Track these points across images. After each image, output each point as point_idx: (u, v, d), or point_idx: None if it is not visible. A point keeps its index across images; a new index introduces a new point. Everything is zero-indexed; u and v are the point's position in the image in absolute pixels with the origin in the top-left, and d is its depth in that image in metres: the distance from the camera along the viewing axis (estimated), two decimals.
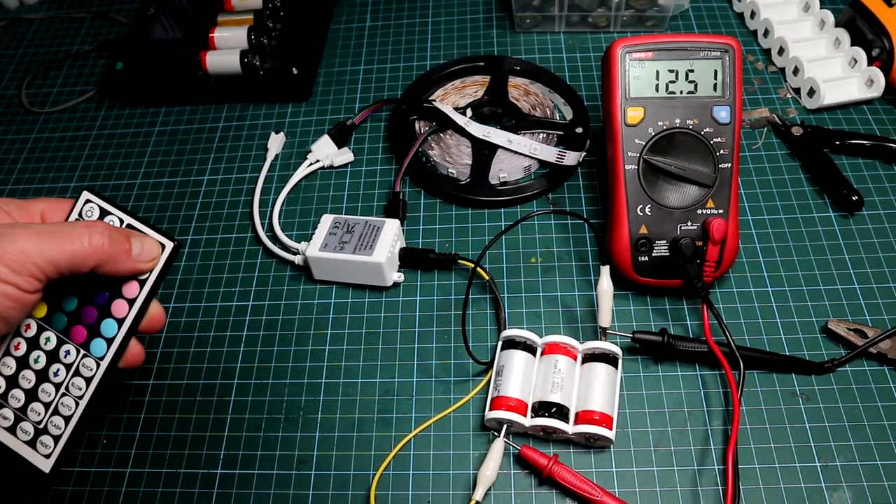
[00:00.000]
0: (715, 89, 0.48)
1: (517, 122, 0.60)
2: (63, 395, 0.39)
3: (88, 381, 0.39)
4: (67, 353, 0.39)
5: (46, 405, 0.39)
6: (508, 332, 0.47)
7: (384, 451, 0.46)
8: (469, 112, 0.61)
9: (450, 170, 0.58)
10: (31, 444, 0.39)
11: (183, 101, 0.68)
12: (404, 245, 0.54)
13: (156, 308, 0.41)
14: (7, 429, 0.39)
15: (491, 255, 0.54)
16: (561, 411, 0.43)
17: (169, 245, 0.39)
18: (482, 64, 0.66)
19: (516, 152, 0.58)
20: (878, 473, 0.42)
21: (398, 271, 0.53)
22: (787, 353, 0.47)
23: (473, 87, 0.64)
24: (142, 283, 0.39)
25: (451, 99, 0.64)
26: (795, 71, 0.62)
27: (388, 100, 0.65)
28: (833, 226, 0.54)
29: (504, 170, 0.58)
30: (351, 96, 0.67)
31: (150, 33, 0.68)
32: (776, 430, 0.45)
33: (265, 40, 0.67)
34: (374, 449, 0.46)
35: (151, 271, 0.39)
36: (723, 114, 0.48)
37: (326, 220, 0.53)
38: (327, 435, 0.47)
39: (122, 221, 0.40)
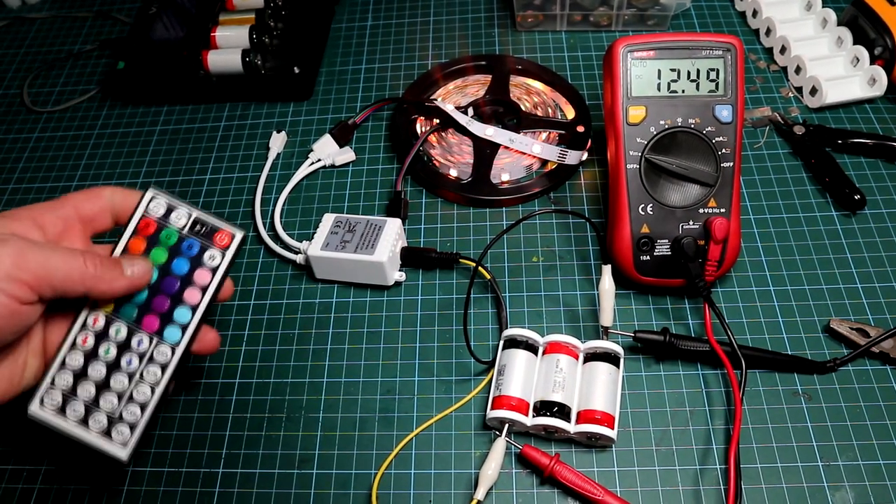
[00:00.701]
0: (717, 88, 0.48)
1: (519, 121, 0.60)
2: (138, 382, 0.40)
3: (164, 367, 0.40)
4: (140, 342, 0.40)
5: (120, 394, 0.39)
6: (510, 332, 0.47)
7: (386, 451, 0.46)
8: (471, 111, 0.61)
9: (451, 169, 0.58)
10: (106, 433, 0.39)
11: (184, 101, 0.68)
12: (406, 244, 0.54)
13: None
14: (79, 421, 0.39)
15: (492, 255, 0.54)
16: (562, 410, 0.43)
17: (239, 234, 0.41)
18: (484, 63, 0.65)
19: (518, 151, 0.58)
20: (881, 473, 0.42)
21: (399, 270, 0.53)
22: (789, 353, 0.47)
23: (475, 87, 0.64)
24: (214, 271, 0.41)
25: (453, 98, 0.64)
26: (797, 70, 0.62)
27: (390, 99, 0.65)
28: (835, 225, 0.54)
29: (506, 169, 0.58)
30: (352, 95, 0.67)
31: (152, 32, 0.68)
32: (778, 430, 0.44)
33: (267, 39, 0.67)
34: (375, 448, 0.46)
35: (224, 257, 0.41)
36: (725, 113, 0.48)
37: (328, 220, 0.53)
38: (329, 434, 0.47)
39: (189, 215, 0.41)
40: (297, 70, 0.64)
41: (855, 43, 0.62)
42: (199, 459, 0.46)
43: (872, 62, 0.61)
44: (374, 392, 0.48)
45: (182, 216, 0.41)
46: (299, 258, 0.54)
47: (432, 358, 0.49)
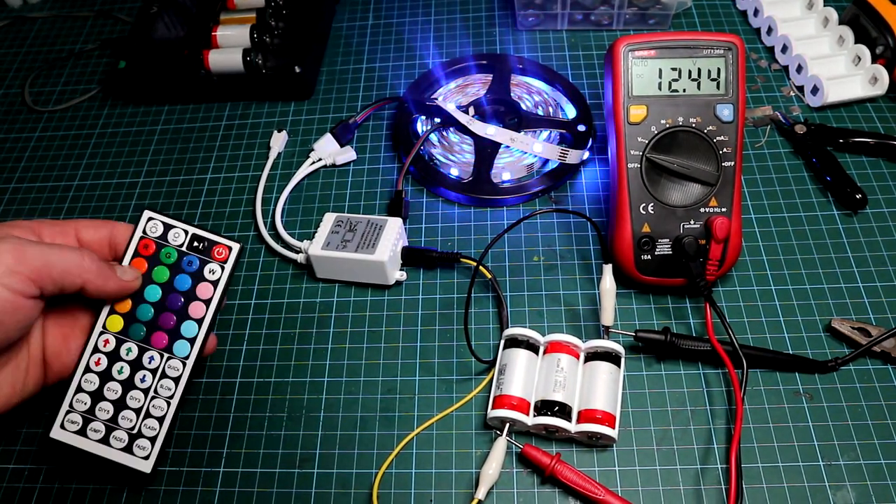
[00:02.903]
0: (718, 87, 0.48)
1: (520, 120, 0.60)
2: (153, 398, 0.41)
3: (177, 380, 0.41)
4: (151, 359, 0.42)
5: (137, 411, 0.41)
6: (511, 331, 0.47)
7: (387, 450, 0.46)
8: (471, 110, 0.61)
9: (452, 168, 0.58)
10: (128, 449, 0.40)
11: (185, 100, 0.68)
12: (406, 244, 0.54)
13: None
14: (99, 441, 0.41)
15: (493, 254, 0.54)
16: (563, 410, 0.43)
17: (236, 247, 0.43)
18: (485, 62, 0.65)
19: (519, 151, 0.58)
20: (882, 472, 0.42)
21: (400, 270, 0.53)
22: (791, 352, 0.47)
23: (476, 86, 0.64)
24: (215, 284, 0.42)
25: (454, 97, 0.64)
26: (799, 69, 0.62)
27: (391, 98, 0.65)
28: (836, 224, 0.54)
29: (506, 168, 0.58)
30: (353, 95, 0.67)
31: (153, 32, 0.68)
32: (779, 429, 0.44)
33: (268, 39, 0.67)
34: (376, 447, 0.46)
35: (224, 270, 0.43)
36: (726, 112, 0.48)
37: (329, 219, 0.53)
38: (330, 433, 0.47)
39: (186, 232, 0.43)
40: (297, 69, 0.64)
41: (856, 42, 0.62)
42: (201, 459, 0.46)
43: (874, 61, 0.61)
44: (375, 391, 0.48)
45: (179, 234, 0.43)
46: (300, 258, 0.54)
47: (433, 357, 0.49)
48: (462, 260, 0.52)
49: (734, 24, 0.69)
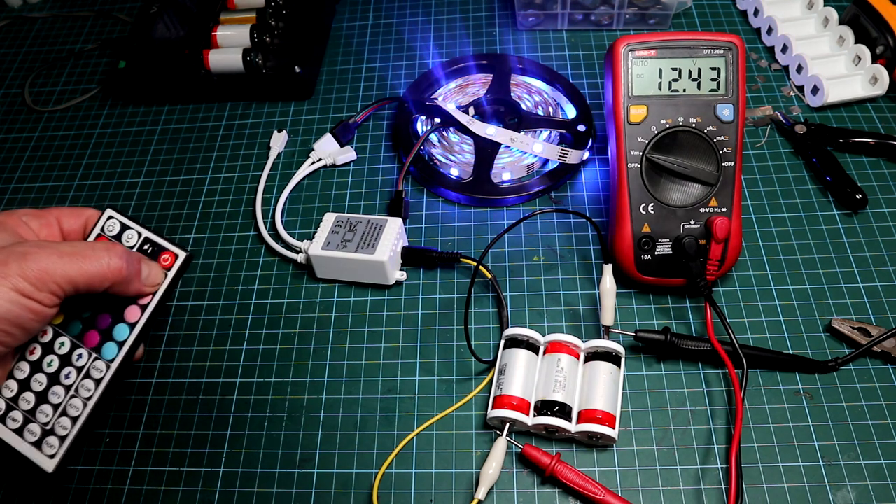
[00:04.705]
0: (718, 87, 0.48)
1: (520, 120, 0.60)
2: (72, 396, 0.41)
3: (98, 382, 0.41)
4: (80, 356, 0.41)
5: (55, 406, 0.40)
6: (511, 331, 0.47)
7: (387, 450, 0.46)
8: (471, 110, 0.61)
9: (452, 168, 0.58)
10: (37, 444, 0.40)
11: (185, 100, 0.68)
12: (406, 244, 0.54)
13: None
14: (15, 430, 0.40)
15: (493, 254, 0.54)
16: (563, 410, 0.43)
17: (182, 255, 0.43)
18: (485, 62, 0.65)
19: (519, 151, 0.58)
20: (882, 472, 0.42)
21: (400, 270, 0.53)
22: (791, 352, 0.47)
23: (476, 86, 0.64)
24: (154, 292, 0.42)
25: (454, 97, 0.64)
26: (799, 69, 0.62)
27: (391, 98, 0.65)
28: (837, 224, 0.54)
29: (507, 168, 0.58)
30: (353, 95, 0.67)
31: (153, 32, 0.68)
32: (779, 429, 0.44)
33: (268, 38, 0.67)
34: (376, 447, 0.46)
35: (166, 277, 0.43)
36: (726, 112, 0.48)
37: (329, 219, 0.53)
38: (330, 433, 0.47)
39: (139, 235, 0.43)
40: (298, 69, 0.64)
41: (856, 42, 0.62)
42: (201, 459, 0.46)
43: (874, 61, 0.61)
44: (375, 391, 0.48)
45: (133, 236, 0.43)
46: (300, 258, 0.54)
47: (433, 357, 0.49)
48: (462, 260, 0.52)
49: (734, 24, 0.69)
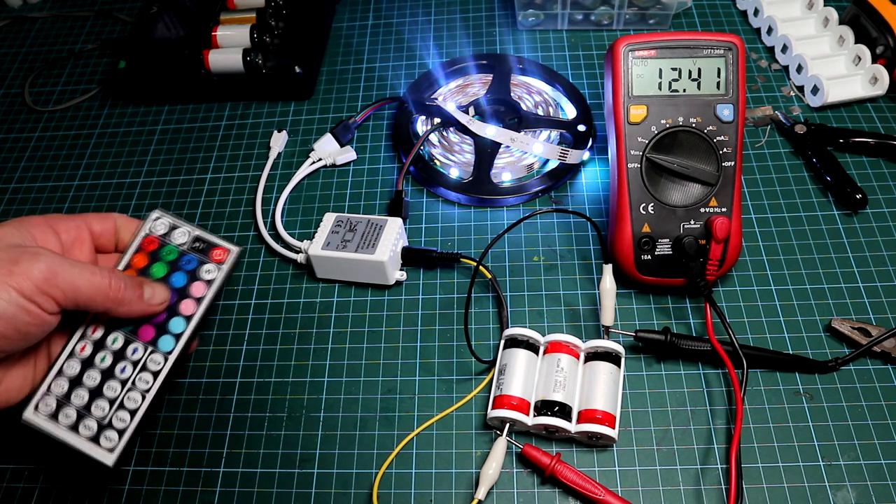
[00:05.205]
0: (718, 87, 0.48)
1: (520, 120, 0.60)
2: (129, 389, 0.41)
3: (156, 374, 0.41)
4: (135, 350, 0.42)
5: (111, 401, 0.41)
6: (511, 331, 0.47)
7: (387, 450, 0.46)
8: (472, 110, 0.61)
9: (452, 168, 0.58)
10: (95, 439, 0.40)
11: (185, 100, 0.68)
12: (406, 244, 0.54)
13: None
14: (69, 427, 0.40)
15: (493, 254, 0.54)
16: (563, 410, 0.43)
17: (234, 250, 0.44)
18: (485, 62, 0.65)
19: (519, 151, 0.58)
20: (882, 472, 0.42)
21: (400, 270, 0.53)
22: (791, 352, 0.47)
23: (476, 86, 0.64)
24: (209, 284, 0.43)
25: (454, 97, 0.64)
26: (799, 69, 0.62)
27: (391, 98, 0.65)
28: (837, 224, 0.54)
29: (507, 168, 0.58)
30: (353, 95, 0.67)
31: (153, 32, 0.68)
32: (779, 429, 0.44)
33: (268, 38, 0.67)
34: (376, 447, 0.46)
35: (220, 270, 0.43)
36: (726, 112, 0.48)
37: (329, 219, 0.53)
38: (330, 433, 0.47)
39: (189, 233, 0.44)
40: (298, 69, 0.64)
41: (856, 42, 0.62)
42: (201, 459, 0.46)
43: (874, 61, 0.61)
44: (375, 391, 0.48)
45: (183, 234, 0.44)
46: (300, 257, 0.54)
47: (433, 357, 0.49)
48: (462, 260, 0.52)
49: (734, 24, 0.69)
